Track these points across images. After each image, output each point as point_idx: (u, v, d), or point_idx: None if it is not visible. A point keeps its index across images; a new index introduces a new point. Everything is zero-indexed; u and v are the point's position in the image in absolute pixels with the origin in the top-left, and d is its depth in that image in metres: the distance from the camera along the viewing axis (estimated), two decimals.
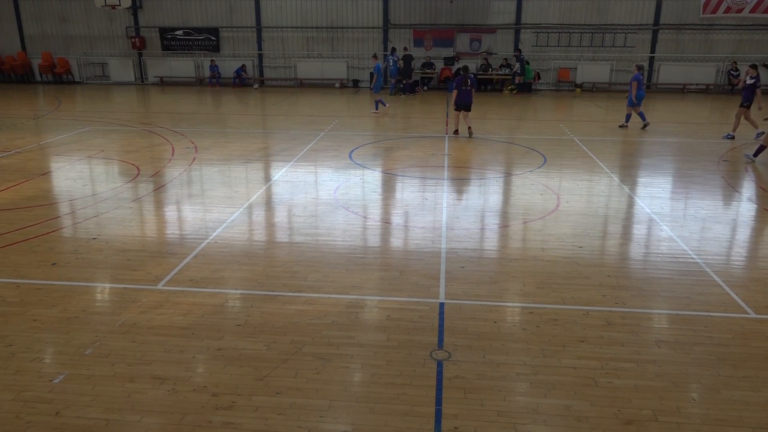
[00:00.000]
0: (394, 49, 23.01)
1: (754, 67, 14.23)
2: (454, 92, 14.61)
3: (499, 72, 24.54)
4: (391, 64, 22.82)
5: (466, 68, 14.96)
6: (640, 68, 16.01)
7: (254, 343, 5.11)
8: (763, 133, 12.93)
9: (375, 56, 19.41)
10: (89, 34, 26.79)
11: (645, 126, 15.87)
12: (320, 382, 4.58)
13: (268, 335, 5.24)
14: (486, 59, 24.76)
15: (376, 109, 18.42)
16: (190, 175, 10.96)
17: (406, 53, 23.32)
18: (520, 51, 23.88)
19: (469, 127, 14.78)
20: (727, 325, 5.49)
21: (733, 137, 14.45)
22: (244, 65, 25.89)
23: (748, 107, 14.18)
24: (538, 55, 24.88)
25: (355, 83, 25.83)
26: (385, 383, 4.56)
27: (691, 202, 9.41)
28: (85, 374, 4.66)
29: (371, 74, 17.53)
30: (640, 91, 15.66)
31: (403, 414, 4.21)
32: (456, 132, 14.94)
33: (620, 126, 16.24)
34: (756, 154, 12.05)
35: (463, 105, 14.63)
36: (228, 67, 26.09)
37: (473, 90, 14.65)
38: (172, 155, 12.54)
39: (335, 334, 5.27)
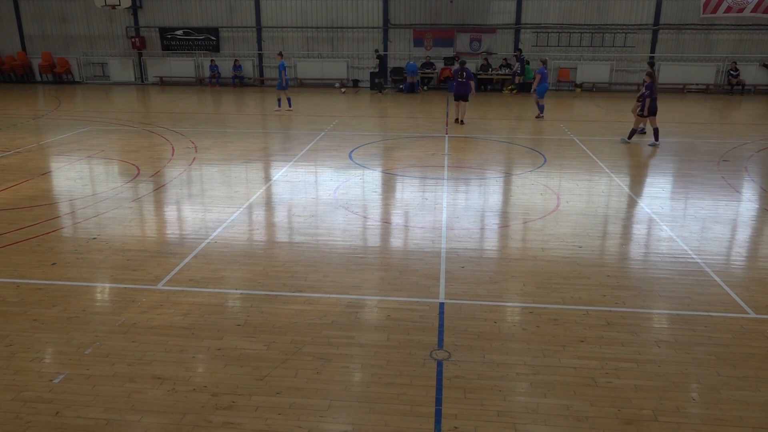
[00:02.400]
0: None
1: (651, 64, 15.39)
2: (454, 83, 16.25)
3: (499, 72, 24.54)
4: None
5: (462, 62, 16.36)
6: (544, 63, 17.41)
7: (254, 343, 5.11)
8: (640, 131, 14.54)
9: (280, 54, 19.54)
10: (89, 34, 26.78)
11: (538, 116, 17.58)
12: (320, 382, 4.58)
13: (268, 335, 5.24)
14: (486, 59, 24.76)
15: (290, 106, 18.69)
16: (190, 175, 10.96)
17: (380, 54, 24.05)
18: (520, 51, 23.88)
19: (462, 120, 16.30)
20: (727, 325, 5.49)
21: (644, 131, 14.97)
22: (236, 60, 25.81)
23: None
24: (538, 55, 24.84)
25: (355, 83, 25.83)
26: (385, 383, 4.56)
27: (691, 202, 9.41)
28: (85, 374, 4.66)
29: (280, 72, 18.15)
30: (544, 83, 17.17)
31: (403, 414, 4.21)
32: (456, 120, 16.43)
33: (537, 117, 17.61)
34: (656, 138, 13.69)
35: (458, 95, 16.13)
36: (228, 66, 26.09)
37: (471, 82, 16.00)
38: (172, 155, 12.54)
39: (335, 334, 5.27)
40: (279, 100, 18.72)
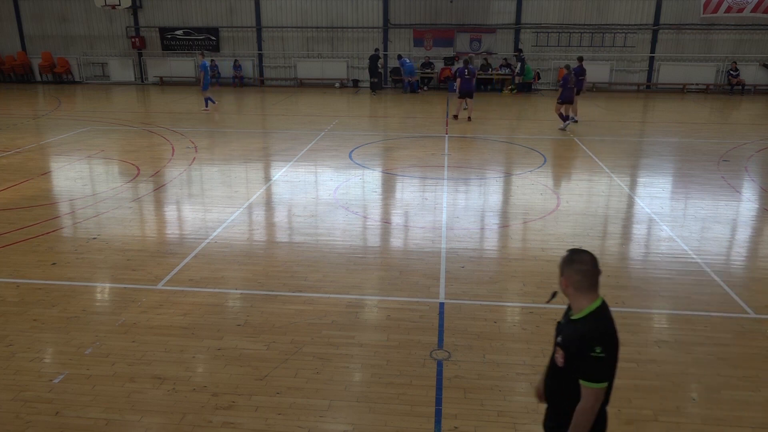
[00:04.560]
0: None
1: (579, 59, 17.21)
2: (458, 80, 16.81)
3: (499, 72, 24.53)
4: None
5: (467, 60, 17.29)
6: (466, 62, 18.24)
7: (254, 343, 5.11)
8: (571, 120, 16.04)
9: (202, 54, 19.65)
10: (89, 34, 26.77)
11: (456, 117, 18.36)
12: (320, 382, 4.58)
13: (268, 335, 5.24)
14: (486, 59, 24.75)
15: (206, 106, 18.65)
16: (190, 175, 10.96)
17: (374, 53, 23.96)
18: (520, 51, 23.87)
19: (469, 117, 16.80)
20: (727, 325, 5.49)
21: (576, 121, 16.45)
22: (236, 60, 25.78)
23: (578, 93, 16.57)
24: (538, 55, 24.86)
25: (355, 83, 25.83)
26: (385, 383, 4.56)
27: (691, 202, 9.41)
28: (85, 374, 4.66)
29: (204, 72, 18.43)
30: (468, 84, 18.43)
31: (403, 414, 4.21)
32: (455, 117, 16.96)
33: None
34: (564, 120, 15.54)
35: (465, 92, 16.71)
36: (228, 66, 26.09)
37: (473, 79, 16.81)
38: (172, 155, 12.54)
39: (335, 334, 5.27)
40: (206, 100, 18.70)
